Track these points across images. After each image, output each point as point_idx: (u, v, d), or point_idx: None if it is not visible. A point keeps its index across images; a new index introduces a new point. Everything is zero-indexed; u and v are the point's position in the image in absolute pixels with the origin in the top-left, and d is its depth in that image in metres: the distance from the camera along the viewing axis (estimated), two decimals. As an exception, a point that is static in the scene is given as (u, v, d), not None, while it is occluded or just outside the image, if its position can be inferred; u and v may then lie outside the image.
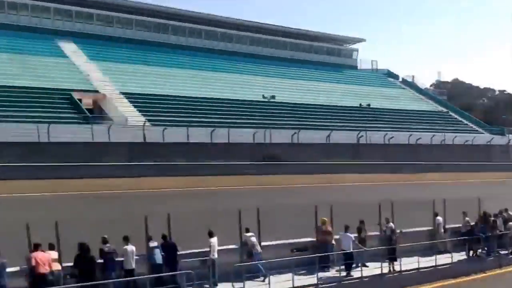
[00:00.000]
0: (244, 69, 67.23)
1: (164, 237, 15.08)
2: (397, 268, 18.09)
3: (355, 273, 17.29)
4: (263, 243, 16.56)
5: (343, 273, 17.23)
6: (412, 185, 39.28)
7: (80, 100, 46.41)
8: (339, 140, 50.83)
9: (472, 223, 21.42)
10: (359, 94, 70.24)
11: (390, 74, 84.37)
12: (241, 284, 14.87)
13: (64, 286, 13.15)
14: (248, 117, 52.71)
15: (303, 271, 16.56)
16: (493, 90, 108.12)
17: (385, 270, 17.88)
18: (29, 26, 55.67)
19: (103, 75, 52.64)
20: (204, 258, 15.41)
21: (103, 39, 60.03)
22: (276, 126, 50.37)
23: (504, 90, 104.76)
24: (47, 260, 13.07)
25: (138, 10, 64.60)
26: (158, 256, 14.78)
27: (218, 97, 55.50)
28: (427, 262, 18.79)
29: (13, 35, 52.91)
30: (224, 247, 16.04)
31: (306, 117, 57.06)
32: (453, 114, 73.66)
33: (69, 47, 56.11)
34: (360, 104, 65.63)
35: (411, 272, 18.24)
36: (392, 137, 54.62)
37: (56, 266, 13.31)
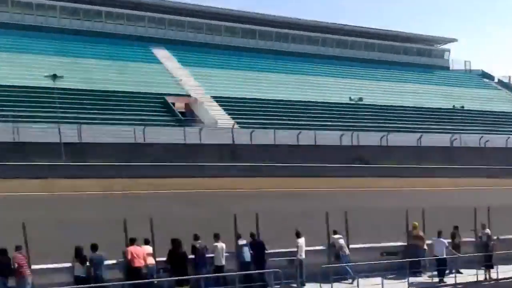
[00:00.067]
0: (331, 72, 66.74)
1: (252, 235, 15.31)
2: (493, 276, 17.19)
3: (449, 280, 16.63)
4: (351, 246, 16.36)
5: (436, 279, 16.63)
6: (510, 190, 37.02)
7: (173, 103, 48.45)
8: (431, 143, 49.08)
9: None
10: (451, 96, 67.45)
11: (484, 75, 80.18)
12: (328, 286, 14.78)
13: (157, 279, 13.74)
14: (335, 119, 52.30)
15: (392, 275, 16.18)
16: None
17: (481, 278, 17.04)
18: (125, 34, 58.72)
19: (195, 79, 54.46)
20: (291, 258, 15.46)
21: (194, 45, 62.04)
22: (363, 128, 49.53)
23: None
24: (142, 254, 13.59)
25: (227, 16, 66.14)
26: (247, 254, 15.01)
27: (305, 99, 55.55)
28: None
29: (111, 43, 56.05)
30: (312, 248, 16.00)
31: (395, 119, 55.69)
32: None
33: (162, 54, 58.57)
34: (454, 106, 62.89)
35: (508, 280, 17.25)
36: (488, 140, 51.89)
37: (150, 260, 13.80)
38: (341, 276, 15.66)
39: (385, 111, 58.10)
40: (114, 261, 13.72)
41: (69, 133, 36.50)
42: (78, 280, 12.83)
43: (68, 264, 13.01)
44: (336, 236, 16.31)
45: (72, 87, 43.19)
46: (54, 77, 38.61)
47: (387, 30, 77.84)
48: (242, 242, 15.08)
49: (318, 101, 56.41)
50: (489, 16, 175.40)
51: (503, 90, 75.90)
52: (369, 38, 75.46)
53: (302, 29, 70.63)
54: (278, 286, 14.33)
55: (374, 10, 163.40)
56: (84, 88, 45.33)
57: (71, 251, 12.96)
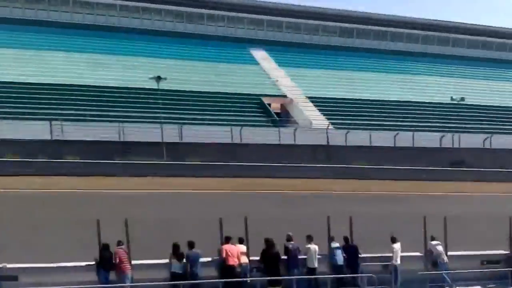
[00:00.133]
0: (432, 70, 64.13)
1: (345, 239, 15.17)
2: None
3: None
4: (449, 253, 15.69)
5: (542, 292, 15.53)
6: None
7: (269, 104, 49.05)
8: (542, 147, 45.64)
9: None
10: (562, 95, 62.19)
11: None
12: (424, 293, 14.34)
13: (250, 278, 14.00)
14: (435, 120, 50.28)
15: (493, 285, 15.33)
16: None
17: None
18: (224, 36, 60.14)
19: (291, 80, 54.75)
20: (386, 263, 15.16)
21: (291, 46, 62.22)
22: (465, 129, 47.19)
23: None
24: (237, 253, 13.88)
25: (324, 15, 65.70)
26: (340, 257, 14.90)
27: (403, 99, 53.93)
28: None
29: (211, 45, 57.63)
30: (407, 253, 15.57)
31: (499, 121, 52.46)
32: None
33: (260, 55, 59.41)
34: None
35: None
36: None
37: (244, 259, 14.04)
38: (438, 284, 15.08)
39: (489, 111, 54.93)
40: (209, 259, 14.14)
41: (171, 133, 38.14)
42: (174, 276, 13.37)
43: (166, 261, 13.57)
44: (434, 242, 15.72)
45: (173, 89, 45.02)
46: (158, 78, 40.47)
47: (493, 27, 73.25)
48: (335, 245, 15.00)
49: (417, 101, 54.52)
50: None
51: None
52: (473, 35, 71.56)
53: (402, 26, 68.42)
54: (371, 292, 14.11)
55: (481, 4, 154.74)
56: (184, 89, 47.13)
57: (169, 248, 13.53)
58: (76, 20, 54.68)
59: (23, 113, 38.02)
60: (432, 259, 15.61)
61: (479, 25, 72.72)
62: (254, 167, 35.39)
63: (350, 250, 14.99)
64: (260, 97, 49.45)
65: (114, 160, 34.06)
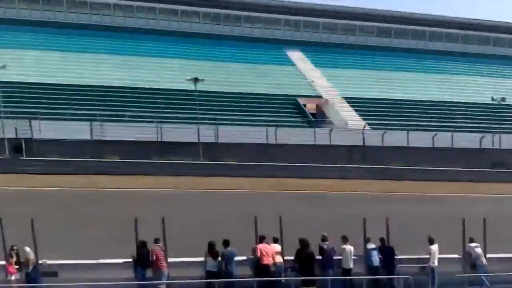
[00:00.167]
0: (471, 70, 62.80)
1: (382, 240, 15.00)
2: None
3: None
4: (488, 255, 15.32)
5: None
6: None
7: (304, 105, 48.94)
8: None
9: None
10: None
11: None
12: (462, 296, 14.05)
13: (285, 278, 14.00)
14: (475, 121, 49.13)
15: (535, 289, 14.89)
16: None
17: None
18: (262, 37, 60.27)
19: (327, 80, 54.45)
20: (423, 265, 14.93)
21: (327, 46, 61.91)
22: (506, 130, 45.96)
23: None
24: (271, 252, 13.85)
25: (361, 15, 65.03)
26: (375, 259, 14.73)
27: (441, 99, 52.98)
28: None
29: (248, 46, 57.88)
30: (445, 255, 15.28)
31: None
32: None
33: (296, 55, 59.34)
34: None
35: None
36: None
37: (279, 259, 14.01)
38: (476, 286, 14.74)
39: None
40: (244, 258, 14.19)
41: (207, 134, 38.51)
42: (209, 274, 13.46)
43: (201, 259, 13.70)
44: (473, 244, 15.37)
45: (210, 90, 45.44)
46: (196, 80, 40.92)
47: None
48: (371, 246, 14.84)
49: (456, 101, 53.48)
50: None
51: None
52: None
53: (441, 26, 67.20)
54: (408, 293, 13.91)
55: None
56: (221, 90, 47.53)
57: (204, 246, 13.67)
58: (108, 23, 55.83)
59: (65, 114, 39.10)
60: (470, 261, 15.28)
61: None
62: (289, 168, 35.42)
63: (386, 251, 14.80)
64: (296, 97, 49.43)
65: (152, 160, 34.62)
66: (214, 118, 41.09)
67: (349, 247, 14.59)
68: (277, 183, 31.07)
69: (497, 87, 58.27)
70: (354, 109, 49.40)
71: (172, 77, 47.41)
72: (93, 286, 12.90)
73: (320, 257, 14.36)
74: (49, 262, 13.47)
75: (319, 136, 41.33)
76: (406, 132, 42.49)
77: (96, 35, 53.22)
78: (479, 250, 15.21)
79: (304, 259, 13.93)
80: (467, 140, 43.23)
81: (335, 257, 14.55)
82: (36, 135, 35.82)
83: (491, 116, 51.11)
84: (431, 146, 42.11)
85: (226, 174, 32.59)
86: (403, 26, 65.64)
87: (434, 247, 14.95)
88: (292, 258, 14.11)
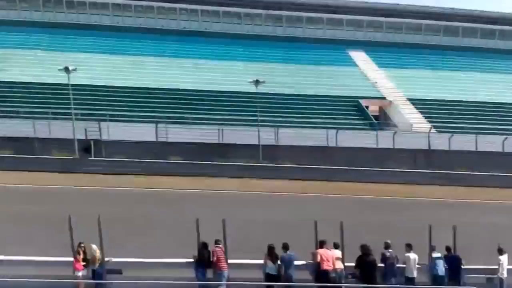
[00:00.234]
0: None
1: (448, 249, 14.49)
2: None
3: None
4: None
5: None
6: None
7: (367, 107, 48.12)
8: None
9: None
10: None
11: None
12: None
13: (345, 284, 13.79)
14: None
15: None
16: None
17: None
18: (323, 38, 59.75)
19: (391, 82, 53.35)
20: (491, 276, 14.31)
21: (392, 46, 60.51)
22: None
23: None
24: (331, 257, 13.73)
25: (426, 14, 63.26)
26: (441, 268, 14.24)
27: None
28: None
29: (309, 47, 57.45)
30: (515, 267, 14.60)
31: None
32: None
33: (359, 56, 58.46)
34: None
35: None
36: None
37: (339, 265, 13.86)
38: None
39: None
40: (303, 262, 14.12)
41: (267, 136, 38.62)
42: (269, 277, 13.52)
43: (261, 261, 13.74)
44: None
45: (271, 92, 45.54)
46: (257, 82, 41.17)
47: None
48: (436, 255, 14.40)
49: (530, 103, 50.94)
50: None
51: None
52: None
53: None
54: (474, 305, 13.38)
55: None
56: (282, 92, 47.56)
57: (264, 249, 13.68)
58: (173, 26, 57.08)
59: (132, 116, 40.41)
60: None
61: None
62: (350, 171, 34.84)
63: (453, 260, 14.29)
64: (358, 99, 48.68)
65: (213, 161, 35.11)
66: (274, 120, 41.15)
67: (413, 255, 14.22)
68: (337, 187, 30.72)
69: None
70: (420, 111, 48.08)
71: (234, 79, 47.86)
72: (156, 284, 13.23)
73: (382, 265, 14.05)
74: (114, 260, 13.92)
75: (381, 139, 40.44)
76: (474, 135, 40.85)
77: (163, 39, 54.61)
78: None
79: (365, 266, 13.68)
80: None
81: (398, 265, 14.20)
82: (104, 137, 37.20)
83: None
84: (502, 150, 40.26)
85: (285, 177, 32.54)
86: (471, 25, 63.15)
87: (504, 258, 14.33)
88: (353, 264, 13.89)
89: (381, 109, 49.94)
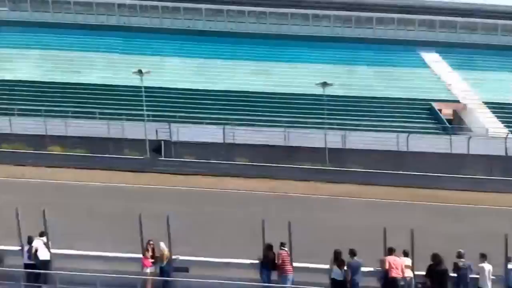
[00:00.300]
0: None
1: (525, 260, 13.72)
2: None
3: None
4: None
5: None
6: None
7: (440, 110, 46.58)
8: None
9: None
10: None
11: None
12: None
13: (418, 293, 13.35)
14: None
15: None
16: None
17: None
18: (395, 39, 58.33)
19: (466, 84, 51.37)
20: None
21: (467, 47, 58.06)
22: None
23: None
24: (400, 265, 13.35)
25: (504, 14, 60.33)
26: (517, 279, 13.53)
27: None
28: None
29: (379, 49, 56.22)
30: None
31: None
32: None
33: (431, 57, 56.60)
34: None
35: None
36: None
37: (409, 273, 13.46)
38: None
39: None
40: (370, 269, 13.80)
41: (334, 139, 38.14)
42: (334, 282, 13.28)
43: (326, 266, 13.54)
44: None
45: (339, 94, 45.01)
46: (324, 84, 40.80)
47: None
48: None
49: None
50: None
51: None
52: None
53: None
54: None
55: None
56: (350, 94, 46.92)
57: (329, 253, 13.46)
58: (242, 29, 57.31)
59: (201, 118, 41.20)
60: None
61: None
62: (421, 177, 33.82)
63: (530, 272, 13.49)
64: (430, 102, 47.20)
65: (279, 164, 35.11)
66: (341, 123, 40.60)
67: (488, 266, 13.53)
68: (407, 193, 29.89)
69: None
70: (496, 115, 45.96)
71: (302, 81, 47.64)
72: (222, 284, 13.34)
73: (454, 275, 13.47)
74: (181, 258, 14.16)
75: (455, 144, 38.96)
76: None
77: (231, 42, 55.33)
78: None
79: (436, 276, 13.16)
80: None
81: (471, 276, 13.57)
82: (174, 138, 38.14)
83: None
84: None
85: (353, 181, 31.93)
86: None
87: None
88: (423, 273, 13.41)
89: (455, 113, 48.15)
